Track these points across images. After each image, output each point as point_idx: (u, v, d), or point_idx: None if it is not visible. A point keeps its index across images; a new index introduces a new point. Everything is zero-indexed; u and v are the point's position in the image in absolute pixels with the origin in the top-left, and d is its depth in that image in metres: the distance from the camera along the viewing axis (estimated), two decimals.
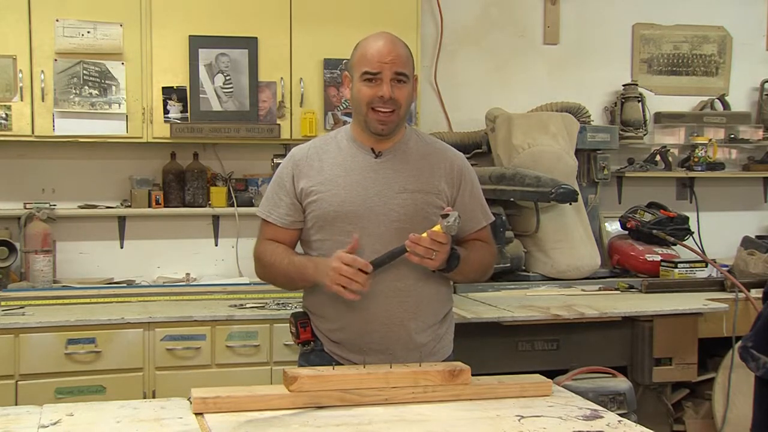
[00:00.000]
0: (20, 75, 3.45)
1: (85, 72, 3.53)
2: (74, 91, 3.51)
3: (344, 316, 2.26)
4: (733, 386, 3.65)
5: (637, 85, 4.54)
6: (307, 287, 2.35)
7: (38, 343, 3.06)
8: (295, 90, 3.76)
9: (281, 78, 3.73)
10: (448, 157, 2.36)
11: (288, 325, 2.41)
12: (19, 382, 3.05)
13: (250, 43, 3.68)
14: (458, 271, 2.23)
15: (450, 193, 2.32)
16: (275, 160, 3.96)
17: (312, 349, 2.34)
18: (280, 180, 2.34)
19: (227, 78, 3.68)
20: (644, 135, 4.52)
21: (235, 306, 3.40)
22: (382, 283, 2.22)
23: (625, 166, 4.53)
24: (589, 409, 1.98)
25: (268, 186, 2.40)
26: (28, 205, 3.70)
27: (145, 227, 3.93)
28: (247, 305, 3.40)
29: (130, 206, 3.85)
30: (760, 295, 3.11)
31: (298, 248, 2.40)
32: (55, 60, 3.49)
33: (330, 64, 3.77)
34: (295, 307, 3.33)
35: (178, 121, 3.63)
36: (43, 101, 3.48)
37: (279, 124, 3.73)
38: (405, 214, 2.24)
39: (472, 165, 2.49)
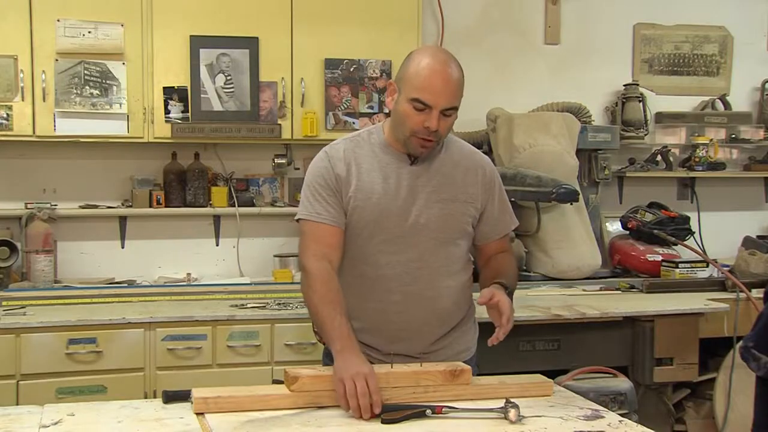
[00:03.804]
0: (21, 75, 3.45)
1: (86, 72, 3.53)
2: (75, 91, 3.51)
3: (370, 323, 2.24)
4: (734, 386, 3.65)
5: (638, 85, 4.54)
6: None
7: (39, 343, 3.06)
8: (296, 90, 3.76)
9: (282, 78, 3.73)
10: (479, 162, 2.33)
11: (312, 324, 2.36)
12: (20, 382, 3.05)
13: (251, 43, 3.68)
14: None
15: (482, 199, 2.30)
16: (276, 160, 3.97)
17: None
18: (323, 180, 2.22)
19: (228, 78, 3.68)
20: (645, 135, 4.52)
21: (236, 306, 3.40)
22: (414, 292, 2.21)
23: (626, 166, 4.52)
24: (590, 409, 1.98)
25: (307, 189, 2.24)
26: (29, 205, 3.70)
27: (146, 227, 3.93)
28: (248, 305, 3.40)
29: (131, 206, 3.86)
30: (761, 295, 3.11)
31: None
32: (56, 60, 3.49)
33: (331, 64, 3.77)
34: (296, 307, 3.34)
35: (179, 121, 3.63)
36: (44, 101, 3.48)
37: (280, 124, 3.73)
38: (443, 225, 2.22)
39: None
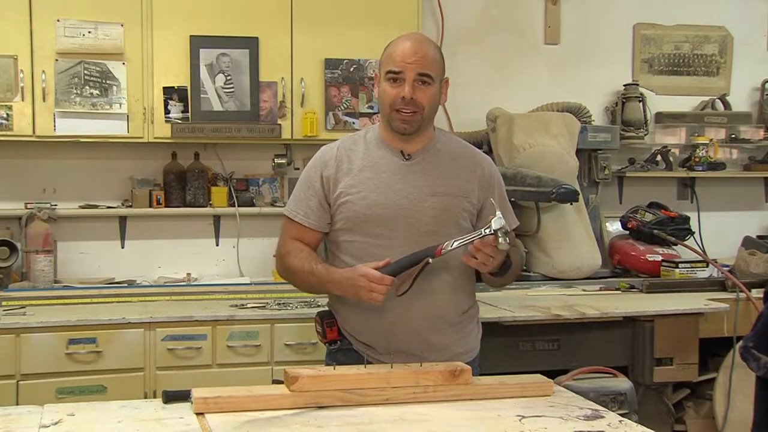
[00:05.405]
0: (21, 75, 3.45)
1: (86, 72, 3.53)
2: (75, 91, 3.51)
3: (368, 321, 2.26)
4: (734, 386, 3.65)
5: (638, 85, 4.54)
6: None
7: (39, 343, 3.06)
8: (296, 90, 3.76)
9: (282, 78, 3.74)
10: (477, 160, 2.35)
11: (314, 324, 2.39)
12: (20, 382, 3.05)
13: (250, 43, 3.68)
14: (505, 275, 2.24)
15: (480, 196, 2.31)
16: (276, 160, 3.97)
17: (339, 348, 2.33)
18: (308, 180, 2.30)
19: (228, 78, 3.68)
20: (645, 135, 4.52)
21: (236, 306, 3.40)
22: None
23: (626, 166, 4.52)
24: (590, 409, 1.98)
25: (297, 184, 2.35)
26: (29, 205, 3.70)
27: (146, 227, 3.93)
28: (248, 305, 3.40)
29: (131, 206, 3.86)
30: (761, 295, 3.11)
31: (321, 248, 2.39)
32: (56, 60, 3.49)
33: (331, 64, 3.77)
34: (296, 307, 3.34)
35: (179, 121, 3.63)
36: (44, 101, 3.48)
37: (280, 124, 3.73)
38: (435, 218, 2.23)
39: None
